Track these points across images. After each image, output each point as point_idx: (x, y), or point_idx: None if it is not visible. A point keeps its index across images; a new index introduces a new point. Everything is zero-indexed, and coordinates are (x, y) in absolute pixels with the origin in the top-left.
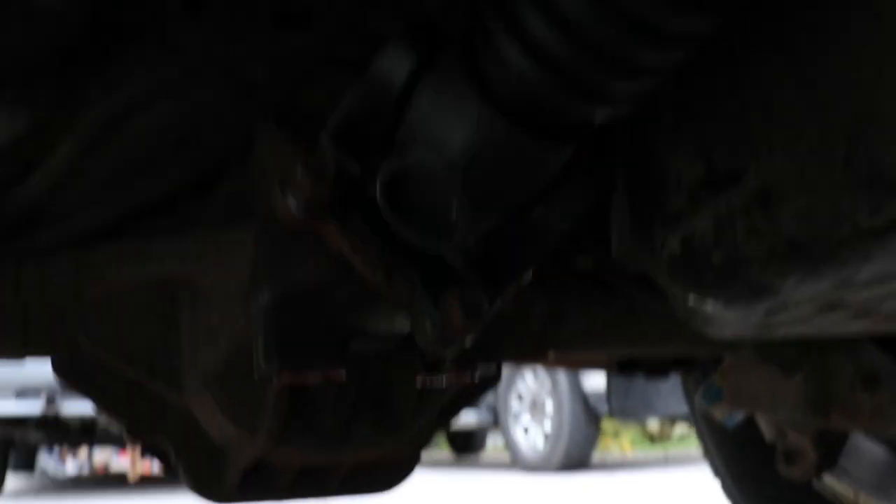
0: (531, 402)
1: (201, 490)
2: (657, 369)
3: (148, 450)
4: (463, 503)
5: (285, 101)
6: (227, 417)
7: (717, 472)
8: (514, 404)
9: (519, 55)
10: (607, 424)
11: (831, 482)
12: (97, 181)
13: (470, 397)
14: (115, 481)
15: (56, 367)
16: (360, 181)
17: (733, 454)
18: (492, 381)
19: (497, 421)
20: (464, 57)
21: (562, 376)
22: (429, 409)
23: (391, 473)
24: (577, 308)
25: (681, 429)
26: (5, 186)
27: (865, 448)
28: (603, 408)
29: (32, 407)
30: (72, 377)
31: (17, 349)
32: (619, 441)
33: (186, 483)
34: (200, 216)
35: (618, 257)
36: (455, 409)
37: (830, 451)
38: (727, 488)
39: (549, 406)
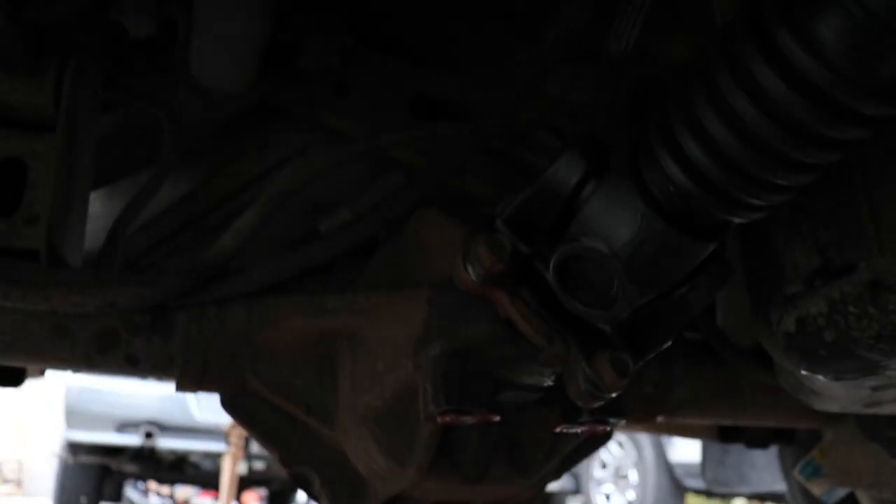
0: (615, 470)
1: None
2: (758, 439)
3: (295, 478)
4: None
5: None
6: (380, 451)
7: None
8: (597, 472)
9: (678, 173)
10: (692, 500)
11: None
12: (271, 243)
13: (587, 451)
14: None
15: (223, 401)
16: (529, 260)
17: None
18: (605, 439)
19: (579, 488)
20: (631, 169)
21: (647, 446)
22: (556, 454)
23: None
24: (685, 375)
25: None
26: (202, 240)
27: None
28: (688, 481)
29: (131, 440)
30: (236, 411)
31: (195, 383)
32: None
33: None
34: (354, 279)
35: (725, 328)
36: (574, 460)
37: None
38: None
39: (633, 475)
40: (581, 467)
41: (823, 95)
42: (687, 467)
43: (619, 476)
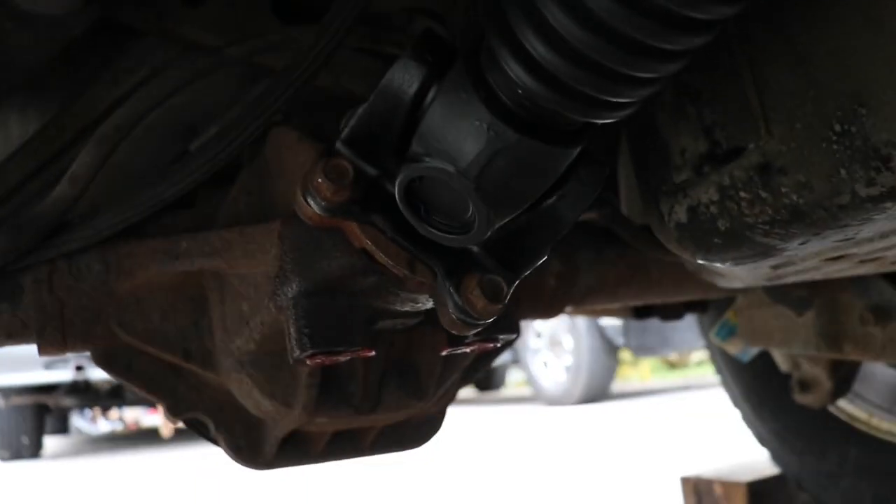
0: (550, 338)
1: (241, 460)
2: (672, 313)
3: (189, 425)
4: (489, 437)
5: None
6: (263, 395)
7: (736, 404)
8: (533, 341)
9: (522, 73)
10: (626, 354)
11: (846, 406)
12: (119, 181)
13: (491, 358)
14: (149, 437)
15: (95, 359)
16: (378, 181)
17: (751, 385)
18: (511, 341)
19: (517, 358)
20: (471, 71)
21: None
22: (452, 373)
23: (420, 431)
24: (589, 263)
25: (699, 355)
26: (35, 194)
27: (878, 372)
28: (620, 339)
29: (62, 375)
30: (111, 367)
31: (58, 346)
32: (638, 370)
33: (227, 454)
34: (215, 212)
35: (628, 215)
36: (477, 370)
37: (845, 378)
38: (747, 418)
39: (567, 341)
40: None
41: None
42: (618, 328)
43: (555, 343)
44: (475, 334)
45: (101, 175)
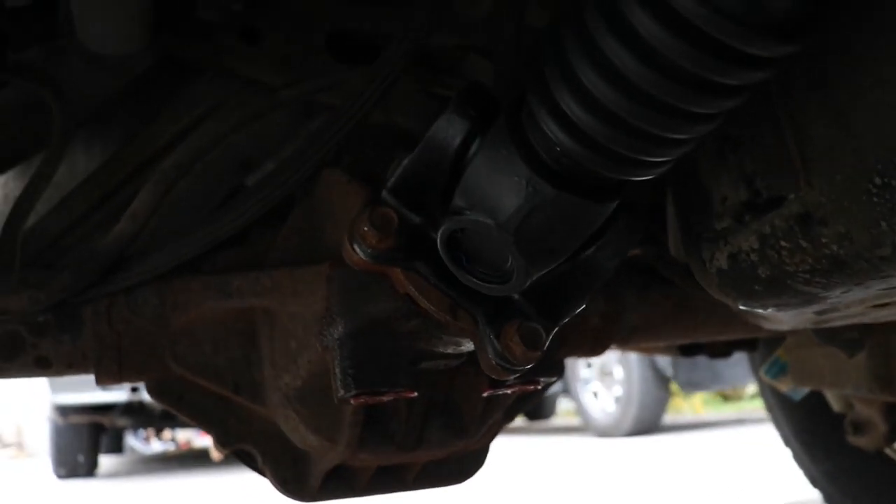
0: (600, 368)
1: (287, 491)
2: (719, 350)
3: (238, 457)
4: (538, 468)
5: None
6: (308, 430)
7: (787, 442)
8: (584, 371)
9: (559, 132)
10: (678, 386)
11: None
12: (176, 215)
13: (534, 397)
14: (199, 458)
15: (149, 390)
16: (423, 230)
17: (802, 424)
18: (559, 375)
19: (567, 388)
20: (512, 128)
21: None
22: (494, 412)
23: (464, 466)
24: (635, 302)
25: (754, 387)
26: (97, 226)
27: None
28: (671, 372)
29: (118, 395)
30: (164, 398)
31: (114, 376)
32: (690, 402)
33: (273, 485)
34: (267, 249)
35: (675, 255)
36: (520, 408)
37: None
38: (798, 458)
39: (618, 372)
40: (568, 368)
41: (706, 37)
42: (669, 360)
43: (605, 373)
44: (516, 377)
45: (160, 210)
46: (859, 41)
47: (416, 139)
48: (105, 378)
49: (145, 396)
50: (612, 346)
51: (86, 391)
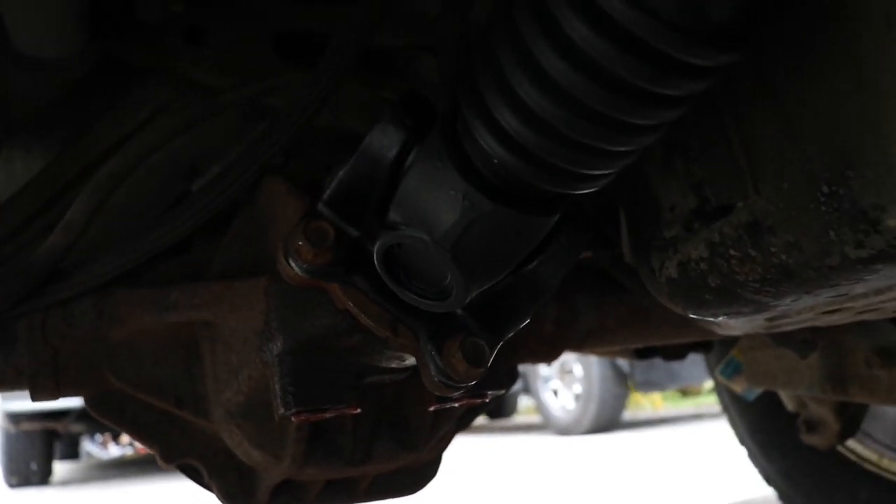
0: (560, 366)
1: None
2: (674, 353)
3: (182, 471)
4: (499, 466)
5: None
6: (252, 445)
7: (742, 441)
8: (543, 369)
9: (495, 144)
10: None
11: (855, 446)
12: (118, 223)
13: (486, 406)
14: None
15: (88, 404)
16: (361, 243)
17: (757, 424)
18: (507, 387)
19: (527, 387)
20: (447, 139)
21: None
22: (444, 423)
23: (416, 477)
24: (588, 307)
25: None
26: (37, 234)
27: (889, 412)
28: (630, 370)
29: (72, 400)
30: (104, 412)
31: (51, 392)
32: (650, 398)
33: (220, 499)
34: (209, 259)
35: (629, 261)
36: (472, 417)
37: (852, 418)
38: (753, 457)
39: (577, 369)
40: (528, 367)
41: (643, 45)
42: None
43: (565, 371)
44: (462, 392)
45: (99, 218)
46: (808, 48)
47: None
48: (41, 394)
49: None
50: (567, 351)
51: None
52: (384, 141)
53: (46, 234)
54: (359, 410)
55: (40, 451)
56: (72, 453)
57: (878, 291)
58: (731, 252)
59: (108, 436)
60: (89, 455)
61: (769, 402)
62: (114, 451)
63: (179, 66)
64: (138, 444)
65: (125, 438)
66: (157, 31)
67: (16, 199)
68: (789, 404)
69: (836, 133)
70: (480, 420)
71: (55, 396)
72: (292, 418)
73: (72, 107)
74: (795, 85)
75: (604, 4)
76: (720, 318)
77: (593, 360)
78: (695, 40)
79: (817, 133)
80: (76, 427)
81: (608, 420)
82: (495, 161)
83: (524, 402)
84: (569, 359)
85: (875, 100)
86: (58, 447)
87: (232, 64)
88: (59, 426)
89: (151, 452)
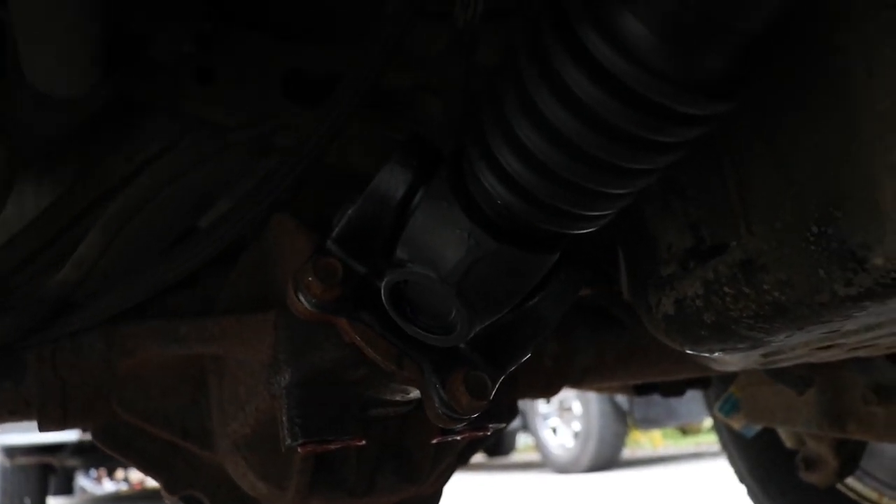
0: (559, 403)
1: None
2: (673, 389)
3: (185, 502)
4: None
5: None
6: (257, 477)
7: (742, 479)
8: (542, 406)
9: (499, 186)
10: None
11: (855, 484)
12: (126, 256)
13: (487, 440)
14: (153, 498)
15: (94, 435)
16: (368, 279)
17: (756, 461)
18: (508, 421)
19: (526, 425)
20: (453, 180)
21: None
22: (446, 457)
23: None
24: (587, 343)
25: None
26: (46, 266)
27: (888, 449)
28: (630, 407)
29: (68, 435)
30: (110, 443)
31: (58, 423)
32: (649, 436)
33: None
34: (217, 293)
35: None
36: (473, 451)
37: (851, 456)
38: (753, 494)
39: (577, 407)
40: (526, 404)
41: (640, 97)
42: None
43: (564, 409)
44: (465, 424)
45: (108, 251)
46: (798, 96)
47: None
48: (49, 425)
49: None
50: (566, 387)
51: (34, 431)
52: (391, 181)
53: (56, 265)
54: (364, 442)
55: (35, 485)
56: (66, 488)
57: (869, 328)
58: (726, 289)
59: (102, 471)
60: (83, 490)
61: (768, 439)
62: (108, 486)
63: (189, 103)
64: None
65: (120, 474)
66: (169, 69)
67: (26, 231)
68: (788, 441)
69: (825, 175)
70: (479, 458)
71: (63, 427)
72: (299, 449)
73: (82, 141)
74: (787, 130)
75: (600, 57)
76: (716, 354)
77: (592, 397)
78: (687, 91)
79: (807, 175)
80: (71, 461)
81: (607, 458)
82: (499, 202)
83: (523, 439)
84: (568, 396)
85: (860, 145)
86: (52, 482)
87: (240, 102)
88: (54, 460)
89: (146, 488)
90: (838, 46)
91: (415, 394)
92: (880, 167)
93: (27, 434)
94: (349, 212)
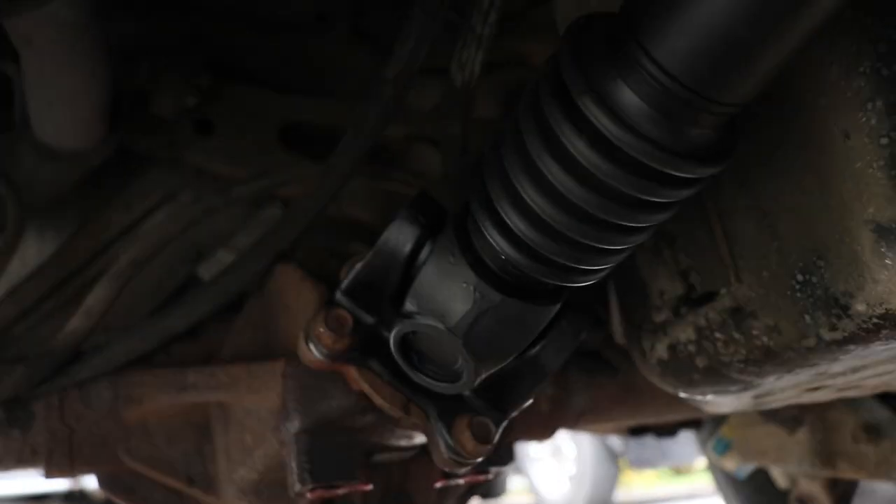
0: (552, 446)
1: None
2: (666, 430)
3: None
4: None
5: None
6: None
7: None
8: (535, 448)
9: (503, 243)
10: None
11: None
12: (127, 305)
13: (484, 485)
14: None
15: (101, 483)
16: (376, 329)
17: (750, 501)
18: (507, 464)
19: (518, 466)
20: (459, 236)
21: None
22: (447, 500)
23: None
24: (582, 386)
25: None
26: (47, 318)
27: (878, 488)
28: (622, 448)
29: (56, 483)
30: (115, 490)
31: (65, 471)
32: (643, 477)
33: None
34: (222, 343)
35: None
36: (473, 495)
37: (843, 495)
38: None
39: (570, 449)
40: (519, 446)
41: (636, 162)
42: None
43: (556, 451)
44: (468, 469)
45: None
46: (780, 155)
47: (368, 230)
48: (56, 472)
49: (86, 484)
50: (561, 430)
51: (20, 479)
52: (400, 237)
53: (60, 314)
54: (370, 487)
55: None
56: None
57: (855, 370)
58: (717, 335)
59: None
60: None
61: (761, 479)
62: None
63: (188, 155)
64: None
65: None
66: (169, 123)
67: (29, 280)
68: (781, 481)
69: (807, 228)
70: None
71: (70, 475)
72: (308, 494)
73: (84, 192)
74: (770, 186)
75: (600, 126)
76: (709, 397)
77: (585, 439)
78: (679, 157)
79: (791, 227)
80: None
81: (601, 500)
82: (503, 257)
83: (515, 482)
84: (561, 438)
85: (838, 200)
86: None
87: (239, 153)
88: None
89: None
90: (816, 109)
91: (419, 439)
92: (858, 221)
93: (14, 482)
94: (358, 265)
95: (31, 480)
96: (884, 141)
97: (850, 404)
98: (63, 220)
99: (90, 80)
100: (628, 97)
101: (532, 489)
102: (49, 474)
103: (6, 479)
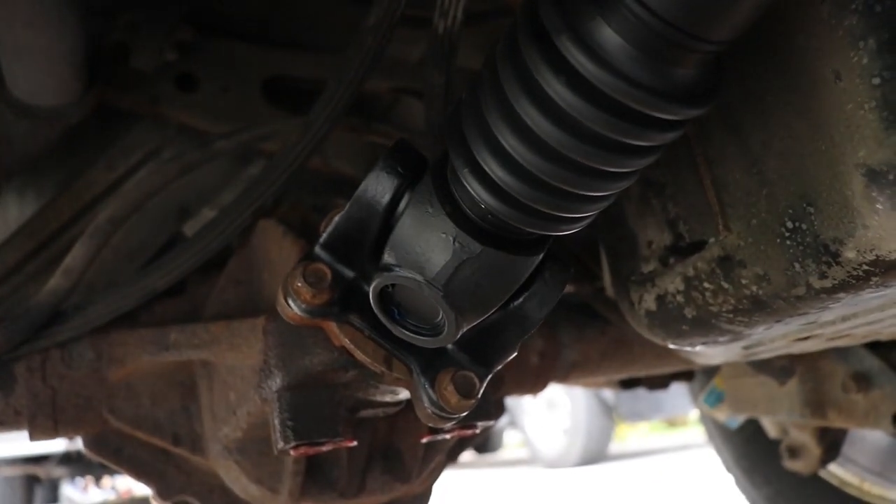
0: (546, 400)
1: None
2: (657, 382)
3: None
4: (488, 501)
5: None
6: (250, 480)
7: (728, 469)
8: (529, 402)
9: (481, 190)
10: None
11: (837, 470)
12: (112, 264)
13: (476, 438)
14: None
15: (86, 444)
16: (356, 283)
17: (741, 451)
18: (496, 418)
19: (514, 420)
20: (437, 185)
21: None
22: (435, 455)
23: None
24: (572, 339)
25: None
26: (31, 276)
27: (868, 436)
28: (616, 401)
29: (54, 445)
30: (101, 451)
31: (49, 433)
32: (636, 429)
33: None
34: (205, 300)
35: (610, 294)
36: (462, 449)
37: (833, 443)
38: (740, 484)
39: (565, 402)
40: (513, 400)
41: (617, 104)
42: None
43: (551, 405)
44: (454, 423)
45: (97, 274)
46: (770, 99)
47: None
48: (40, 434)
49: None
50: (553, 383)
51: (18, 441)
52: (378, 187)
53: (44, 275)
54: (354, 443)
55: (21, 496)
56: (52, 498)
57: (845, 318)
58: (706, 285)
59: (89, 480)
60: (70, 500)
61: (752, 429)
62: (95, 495)
63: (171, 111)
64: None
65: (107, 482)
66: (150, 78)
67: (10, 241)
68: (772, 431)
69: (797, 173)
70: (468, 455)
71: (53, 437)
72: (291, 452)
73: (65, 151)
74: (760, 130)
75: (579, 67)
76: (698, 348)
77: (579, 392)
78: (662, 98)
79: (780, 173)
80: (57, 472)
81: (596, 452)
82: (483, 206)
83: (510, 436)
84: (555, 392)
85: (828, 144)
86: (38, 492)
87: (223, 109)
88: (40, 471)
89: (134, 497)
90: (806, 49)
91: (403, 394)
92: (850, 165)
93: (12, 444)
94: (336, 218)
95: (28, 443)
96: (876, 81)
97: (840, 354)
98: (44, 181)
99: (63, 33)
100: (609, 36)
101: (527, 443)
102: (33, 436)
103: (4, 443)
